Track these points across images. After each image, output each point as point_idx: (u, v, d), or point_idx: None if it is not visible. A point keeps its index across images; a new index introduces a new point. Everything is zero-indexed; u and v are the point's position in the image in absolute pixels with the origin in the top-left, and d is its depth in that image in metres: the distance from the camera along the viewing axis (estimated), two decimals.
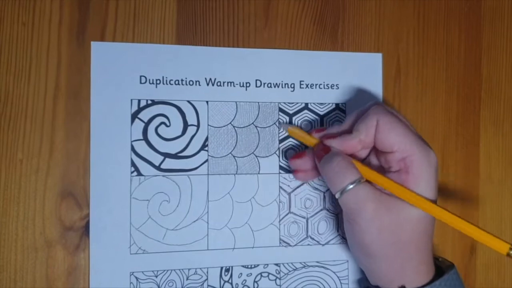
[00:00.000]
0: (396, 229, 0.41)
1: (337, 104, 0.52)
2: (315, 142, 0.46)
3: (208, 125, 0.49)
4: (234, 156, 0.50)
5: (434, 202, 0.41)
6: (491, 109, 0.57)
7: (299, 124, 0.51)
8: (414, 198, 0.40)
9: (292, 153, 0.51)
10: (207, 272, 0.49)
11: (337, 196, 0.42)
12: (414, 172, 0.41)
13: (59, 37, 0.47)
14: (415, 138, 0.41)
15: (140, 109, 0.48)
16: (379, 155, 0.45)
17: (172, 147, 0.49)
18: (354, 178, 0.41)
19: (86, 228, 0.47)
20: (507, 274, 0.56)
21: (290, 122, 0.51)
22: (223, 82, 0.50)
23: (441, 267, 0.45)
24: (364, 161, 0.47)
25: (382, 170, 0.44)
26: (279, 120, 0.51)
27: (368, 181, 0.43)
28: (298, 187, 0.51)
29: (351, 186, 0.41)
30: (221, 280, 0.49)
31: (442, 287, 0.42)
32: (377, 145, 0.43)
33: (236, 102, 0.50)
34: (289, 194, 0.51)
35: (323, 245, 0.52)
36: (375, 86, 0.53)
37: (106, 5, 0.48)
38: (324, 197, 0.52)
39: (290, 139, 0.51)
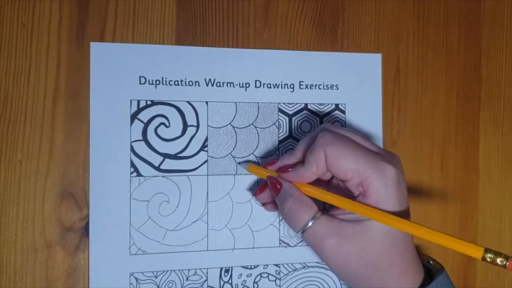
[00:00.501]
0: (362, 253, 0.40)
1: (336, 105, 0.52)
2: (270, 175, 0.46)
3: (207, 125, 0.49)
4: (233, 157, 0.50)
5: (403, 213, 0.40)
6: (490, 109, 0.56)
7: (298, 125, 0.51)
8: (370, 212, 0.39)
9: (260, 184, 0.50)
10: (207, 273, 0.49)
11: (299, 235, 0.42)
12: (372, 196, 0.40)
13: (58, 38, 0.46)
14: (367, 160, 0.40)
15: (139, 110, 0.48)
16: (336, 179, 0.44)
17: (172, 148, 0.48)
18: (309, 216, 0.41)
19: (86, 228, 0.46)
20: (507, 276, 0.56)
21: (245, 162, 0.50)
22: (223, 83, 0.50)
23: (431, 271, 0.44)
24: (330, 182, 0.46)
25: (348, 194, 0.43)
26: (278, 120, 0.51)
27: (325, 213, 0.42)
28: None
29: (310, 224, 0.41)
30: (221, 280, 0.49)
31: None
32: (332, 174, 0.42)
33: (235, 102, 0.50)
34: None
35: None
36: (375, 87, 0.53)
37: (106, 6, 0.47)
38: None
39: (290, 140, 0.51)
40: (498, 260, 0.37)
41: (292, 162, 0.44)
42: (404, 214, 0.40)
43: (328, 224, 0.41)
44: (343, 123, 0.52)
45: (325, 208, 0.46)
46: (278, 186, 0.44)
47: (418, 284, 0.41)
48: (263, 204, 0.49)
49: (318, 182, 0.44)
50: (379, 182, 0.39)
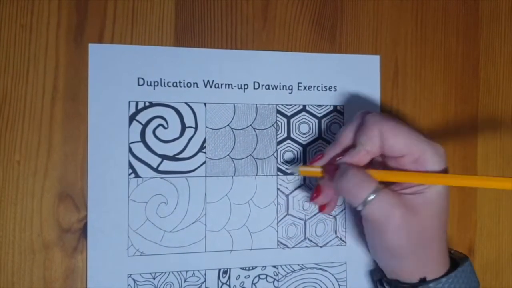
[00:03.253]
0: (421, 229, 0.40)
1: (335, 106, 0.51)
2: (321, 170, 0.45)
3: (206, 127, 0.48)
4: (232, 158, 0.48)
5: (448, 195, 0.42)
6: (488, 110, 0.55)
7: (297, 126, 0.50)
8: (433, 176, 0.40)
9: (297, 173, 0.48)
10: (205, 274, 0.47)
11: (359, 208, 0.40)
12: (430, 169, 0.40)
13: (57, 39, 0.45)
14: (421, 137, 0.40)
15: (138, 111, 0.47)
16: (388, 160, 0.43)
17: (170, 149, 0.47)
18: (373, 187, 0.40)
19: (84, 230, 0.45)
20: (505, 276, 0.55)
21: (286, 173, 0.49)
22: (221, 84, 0.48)
23: (455, 259, 0.45)
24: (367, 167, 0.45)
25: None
26: (277, 121, 0.49)
27: (386, 187, 0.41)
28: (296, 189, 0.50)
29: (372, 197, 0.39)
30: (219, 282, 0.48)
31: (458, 278, 0.42)
32: (386, 152, 0.41)
33: (234, 104, 0.48)
34: (287, 196, 0.49)
35: (321, 247, 0.50)
36: (373, 88, 0.51)
37: (104, 7, 0.46)
38: None
39: (288, 141, 0.49)
40: None
41: (338, 152, 0.44)
42: (448, 195, 0.42)
43: (394, 197, 0.40)
44: (341, 125, 0.50)
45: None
46: (335, 170, 0.42)
47: (447, 268, 0.43)
48: (320, 208, 0.47)
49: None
50: (436, 158, 0.40)
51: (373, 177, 0.41)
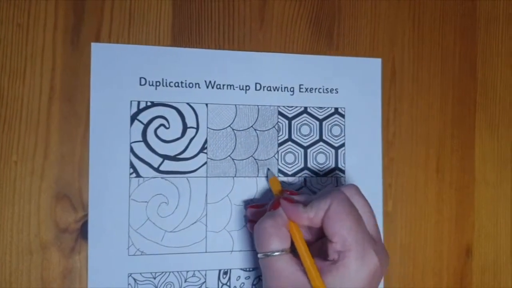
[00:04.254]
0: None
1: (336, 109, 0.48)
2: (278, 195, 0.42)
3: (207, 127, 0.45)
4: (233, 159, 0.45)
5: None
6: (486, 112, 0.52)
7: (298, 128, 0.47)
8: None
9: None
10: (205, 275, 0.44)
11: (259, 255, 0.38)
12: (339, 269, 0.35)
13: (54, 39, 0.42)
14: (360, 237, 0.36)
15: (139, 111, 0.44)
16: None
17: (171, 149, 0.44)
18: (280, 247, 0.37)
19: (82, 230, 0.42)
20: (503, 277, 0.52)
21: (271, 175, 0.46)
22: (223, 85, 0.45)
23: None
24: (322, 238, 0.41)
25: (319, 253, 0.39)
26: (278, 123, 0.46)
27: (294, 254, 0.38)
28: (296, 190, 0.46)
29: (276, 254, 0.37)
30: (219, 282, 0.45)
31: None
32: (324, 229, 0.37)
33: (235, 105, 0.46)
34: None
35: None
36: (374, 91, 0.49)
37: (102, 7, 0.43)
38: None
39: (289, 143, 0.46)
40: None
41: (302, 201, 0.40)
42: None
43: (288, 264, 0.37)
44: (342, 127, 0.47)
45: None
46: (275, 206, 0.40)
47: None
48: (249, 221, 0.44)
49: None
50: (354, 262, 0.35)
51: (292, 234, 0.38)
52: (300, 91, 0.46)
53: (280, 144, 0.46)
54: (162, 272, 0.43)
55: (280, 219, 0.38)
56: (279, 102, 0.46)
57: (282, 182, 0.46)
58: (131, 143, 0.43)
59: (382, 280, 0.45)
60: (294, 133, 0.46)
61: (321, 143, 0.47)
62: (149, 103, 0.43)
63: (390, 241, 0.48)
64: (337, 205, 0.36)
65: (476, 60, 0.52)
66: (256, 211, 0.43)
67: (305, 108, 0.47)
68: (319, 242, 0.40)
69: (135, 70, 0.43)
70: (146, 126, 0.43)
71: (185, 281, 0.44)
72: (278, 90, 0.46)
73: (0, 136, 0.41)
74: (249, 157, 0.45)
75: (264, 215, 0.39)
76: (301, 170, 0.46)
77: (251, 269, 0.45)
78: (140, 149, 0.43)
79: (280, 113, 0.46)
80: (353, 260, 0.35)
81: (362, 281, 0.35)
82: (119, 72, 0.43)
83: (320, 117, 0.47)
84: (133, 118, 0.43)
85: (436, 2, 0.51)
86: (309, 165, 0.46)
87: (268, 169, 0.46)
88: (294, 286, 0.36)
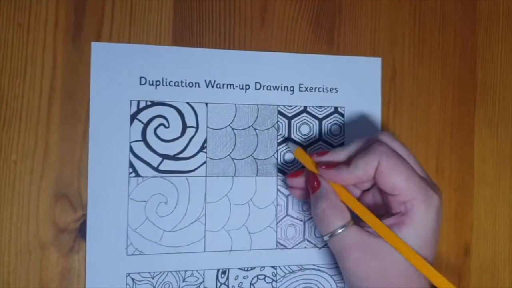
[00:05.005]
0: (383, 272, 0.36)
1: (336, 108, 0.47)
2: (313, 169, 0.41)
3: (207, 127, 0.44)
4: (232, 158, 0.44)
5: (429, 246, 0.37)
6: (485, 111, 0.51)
7: (297, 127, 0.46)
8: (401, 245, 0.36)
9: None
10: (204, 274, 0.44)
11: (325, 238, 0.38)
12: (412, 217, 0.36)
13: (54, 38, 0.41)
14: (418, 181, 0.36)
15: (139, 110, 0.43)
16: (383, 193, 0.39)
17: (171, 149, 0.43)
18: (341, 223, 0.37)
19: (80, 230, 0.41)
20: (501, 276, 0.51)
21: (294, 142, 0.45)
22: (223, 84, 0.44)
23: None
24: (368, 192, 0.41)
25: (384, 207, 0.40)
26: (278, 122, 0.45)
27: (357, 223, 0.38)
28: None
29: (339, 231, 0.37)
30: (218, 282, 0.44)
31: None
32: (379, 185, 0.38)
33: (235, 104, 0.45)
34: (286, 196, 0.45)
35: (320, 248, 0.46)
36: (374, 90, 0.48)
37: (102, 6, 0.42)
38: None
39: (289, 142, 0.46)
40: None
41: (341, 160, 0.39)
42: (430, 247, 0.37)
43: (357, 235, 0.37)
44: (341, 127, 0.47)
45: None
46: (316, 185, 0.39)
47: None
48: (291, 188, 0.43)
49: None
50: (423, 207, 0.36)
51: (349, 203, 0.38)
52: (300, 91, 0.46)
53: (279, 144, 0.45)
54: (161, 272, 0.42)
55: (332, 195, 0.38)
56: (279, 102, 0.45)
57: (282, 182, 0.45)
58: (130, 142, 0.42)
59: None
60: (293, 133, 0.46)
61: (320, 142, 0.46)
62: (149, 103, 0.43)
63: None
64: (387, 158, 0.36)
65: (476, 59, 0.51)
66: (297, 179, 0.42)
67: (305, 107, 0.46)
68: (369, 195, 0.41)
69: (135, 69, 0.43)
70: (146, 125, 0.43)
71: (183, 281, 0.43)
72: (277, 90, 0.45)
73: (0, 135, 0.40)
74: (248, 157, 0.44)
75: (313, 197, 0.39)
76: (301, 169, 0.45)
77: (249, 269, 0.44)
78: (140, 148, 0.42)
79: (279, 113, 0.45)
80: (421, 205, 0.35)
81: (433, 220, 0.36)
82: (119, 71, 0.42)
83: (320, 117, 0.46)
84: (133, 117, 0.42)
85: (436, 2, 0.50)
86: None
87: (288, 141, 0.45)
88: (370, 252, 0.36)
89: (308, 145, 0.46)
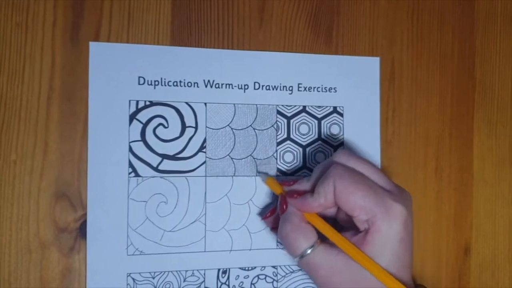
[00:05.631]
0: (358, 282, 0.35)
1: (334, 107, 0.46)
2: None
3: (206, 127, 0.44)
4: (232, 158, 0.44)
5: (403, 259, 0.36)
6: (484, 111, 0.51)
7: (297, 127, 0.46)
8: (367, 262, 0.35)
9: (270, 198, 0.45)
10: (204, 274, 0.43)
11: (294, 260, 0.38)
12: (374, 235, 0.35)
13: (53, 38, 0.41)
14: (375, 198, 0.35)
15: (138, 110, 0.42)
16: (342, 212, 0.39)
17: (170, 149, 0.43)
18: (308, 244, 0.37)
19: (81, 229, 0.41)
20: (501, 275, 0.51)
21: (264, 173, 0.45)
22: (222, 84, 0.44)
23: None
24: (338, 213, 0.40)
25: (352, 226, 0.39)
26: (277, 122, 0.45)
27: (325, 241, 0.37)
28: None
29: (308, 251, 0.36)
30: (218, 282, 0.43)
31: None
32: (340, 207, 0.37)
33: (234, 104, 0.44)
34: None
35: None
36: (373, 90, 0.47)
37: (101, 6, 0.42)
38: None
39: (288, 142, 0.45)
40: None
41: (308, 189, 0.39)
42: (400, 258, 0.35)
43: (325, 255, 0.36)
44: (341, 126, 0.46)
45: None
46: (284, 207, 0.39)
47: None
48: (271, 228, 0.43)
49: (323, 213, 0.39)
50: (384, 222, 0.35)
51: (315, 224, 0.37)
52: (298, 90, 0.45)
53: (279, 143, 0.45)
54: (161, 272, 0.42)
55: (296, 218, 0.38)
56: (278, 101, 0.45)
57: (281, 182, 0.44)
58: (130, 142, 0.42)
59: None
60: (292, 132, 0.45)
61: (319, 142, 0.46)
62: (147, 103, 0.42)
63: None
64: (341, 181, 0.36)
65: (475, 59, 0.51)
66: (273, 218, 0.42)
67: (304, 107, 0.45)
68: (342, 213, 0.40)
69: (133, 69, 0.42)
70: (145, 125, 0.42)
71: (184, 281, 0.43)
72: (276, 89, 0.45)
73: None
74: (248, 156, 0.44)
75: (280, 220, 0.39)
76: (300, 169, 0.45)
77: (250, 268, 0.44)
78: (139, 148, 0.42)
79: (278, 112, 0.45)
80: (382, 221, 0.35)
81: (398, 234, 0.35)
82: (118, 71, 0.42)
83: (319, 116, 0.46)
84: (132, 117, 0.42)
85: (434, 1, 0.50)
86: (307, 164, 0.45)
87: (258, 172, 0.44)
88: (339, 270, 0.36)
89: (307, 144, 0.45)
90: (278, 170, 0.45)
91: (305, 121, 0.45)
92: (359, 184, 0.36)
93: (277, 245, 0.44)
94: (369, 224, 0.35)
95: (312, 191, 0.38)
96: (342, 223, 0.39)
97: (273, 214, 0.41)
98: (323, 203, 0.36)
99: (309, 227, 0.37)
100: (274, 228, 0.42)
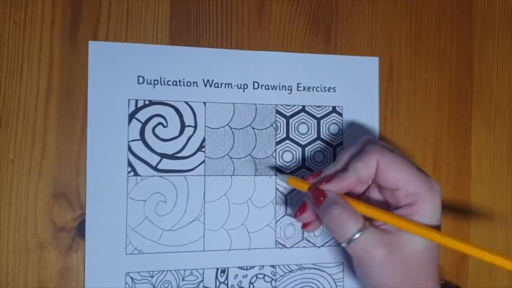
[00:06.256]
0: (407, 266, 0.36)
1: (334, 107, 0.46)
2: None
3: (205, 126, 0.43)
4: (231, 158, 0.44)
5: (439, 228, 0.37)
6: (482, 110, 0.51)
7: (296, 127, 0.45)
8: (419, 229, 0.35)
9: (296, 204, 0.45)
10: (203, 273, 0.43)
11: (343, 245, 0.37)
12: (421, 206, 0.36)
13: (51, 37, 0.41)
14: (417, 172, 0.37)
15: (137, 109, 0.42)
16: (383, 190, 0.39)
17: (169, 148, 0.43)
18: (358, 226, 0.36)
19: (79, 229, 0.41)
20: (499, 275, 0.50)
21: (284, 172, 0.45)
22: (221, 84, 0.44)
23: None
24: (363, 195, 0.41)
25: (386, 204, 0.40)
26: (276, 121, 0.45)
27: (371, 224, 0.37)
28: (294, 189, 0.45)
29: (357, 236, 0.36)
30: (217, 281, 0.43)
31: None
32: (381, 183, 0.38)
33: (233, 103, 0.44)
34: (285, 196, 0.45)
35: (318, 247, 0.45)
36: (372, 90, 0.47)
37: (99, 5, 0.42)
38: None
39: (287, 142, 0.45)
40: None
41: (337, 171, 0.39)
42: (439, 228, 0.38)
43: (377, 235, 0.36)
44: (340, 126, 0.46)
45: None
46: (321, 198, 0.38)
47: None
48: (303, 226, 0.42)
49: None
50: (429, 195, 0.36)
51: (358, 208, 0.37)
52: (298, 90, 0.45)
53: (278, 143, 0.45)
54: (160, 271, 0.42)
55: (338, 204, 0.37)
56: (277, 101, 0.45)
57: (280, 181, 0.44)
58: (129, 141, 0.42)
59: None
60: (292, 132, 0.45)
61: (318, 141, 0.45)
62: (147, 102, 0.42)
63: None
64: (385, 156, 0.37)
65: (473, 59, 0.50)
66: (305, 216, 0.40)
67: (303, 106, 0.45)
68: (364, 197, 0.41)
69: (133, 68, 0.42)
70: (144, 124, 0.42)
71: (183, 280, 0.42)
72: (276, 89, 0.45)
73: None
74: (247, 156, 0.44)
75: (321, 211, 0.38)
76: (299, 168, 0.45)
77: (248, 268, 0.44)
78: (138, 147, 0.42)
79: (278, 112, 0.45)
80: (428, 193, 0.36)
81: (439, 206, 0.37)
82: (117, 70, 0.42)
83: (318, 116, 0.46)
84: (131, 116, 0.42)
85: (433, 1, 0.49)
86: (306, 164, 0.45)
87: (276, 173, 0.44)
88: (392, 249, 0.36)
89: (306, 144, 0.45)
90: (277, 169, 0.44)
91: (304, 121, 0.45)
92: (403, 159, 0.37)
93: (275, 244, 0.44)
94: (415, 197, 0.36)
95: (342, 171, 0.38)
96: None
97: (305, 211, 0.40)
98: (361, 178, 0.37)
99: (355, 210, 0.37)
100: (306, 224, 0.41)
